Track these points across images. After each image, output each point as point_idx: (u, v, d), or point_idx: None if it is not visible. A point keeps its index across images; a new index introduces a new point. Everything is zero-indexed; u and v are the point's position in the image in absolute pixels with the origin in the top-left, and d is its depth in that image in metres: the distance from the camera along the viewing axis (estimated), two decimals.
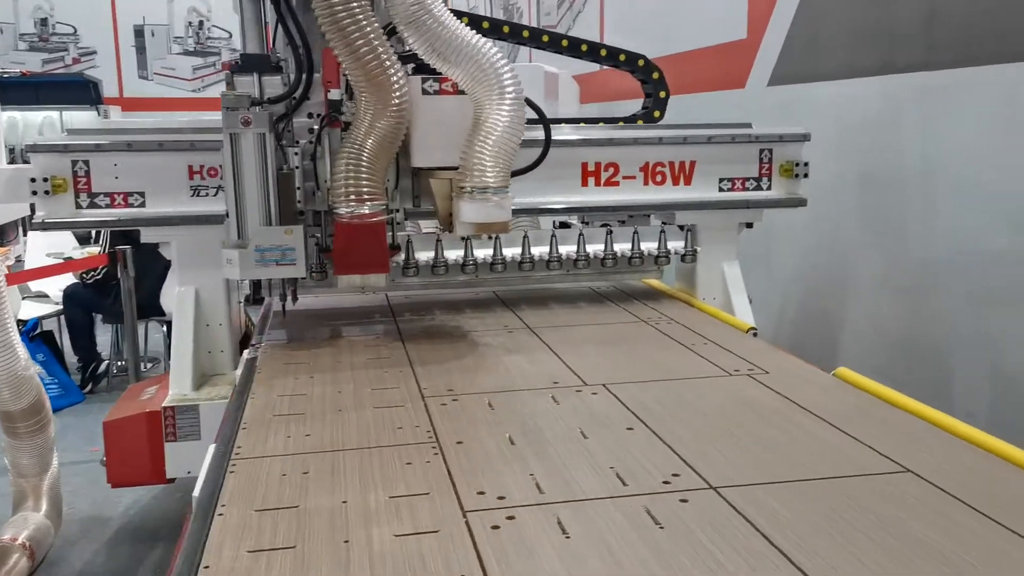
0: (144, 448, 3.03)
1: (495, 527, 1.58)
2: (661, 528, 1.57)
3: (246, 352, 3.02)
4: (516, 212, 2.92)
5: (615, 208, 3.50)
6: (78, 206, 3.03)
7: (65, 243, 6.89)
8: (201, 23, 14.86)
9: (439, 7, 2.58)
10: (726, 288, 3.57)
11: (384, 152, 2.65)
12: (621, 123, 3.78)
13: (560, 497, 1.70)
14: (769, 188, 3.56)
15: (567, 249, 3.38)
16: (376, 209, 2.65)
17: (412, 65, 2.75)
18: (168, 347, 5.69)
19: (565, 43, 3.77)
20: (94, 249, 6.68)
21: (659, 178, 3.46)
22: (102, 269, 5.89)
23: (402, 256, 3.17)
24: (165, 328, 6.13)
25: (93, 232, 7.38)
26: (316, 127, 2.86)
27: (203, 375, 3.21)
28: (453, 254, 3.33)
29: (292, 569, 1.45)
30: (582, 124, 3.74)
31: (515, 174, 2.78)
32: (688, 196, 3.48)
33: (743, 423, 2.11)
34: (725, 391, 2.36)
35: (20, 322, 5.48)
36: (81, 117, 11.28)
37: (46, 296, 6.43)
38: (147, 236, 3.19)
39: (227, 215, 2.73)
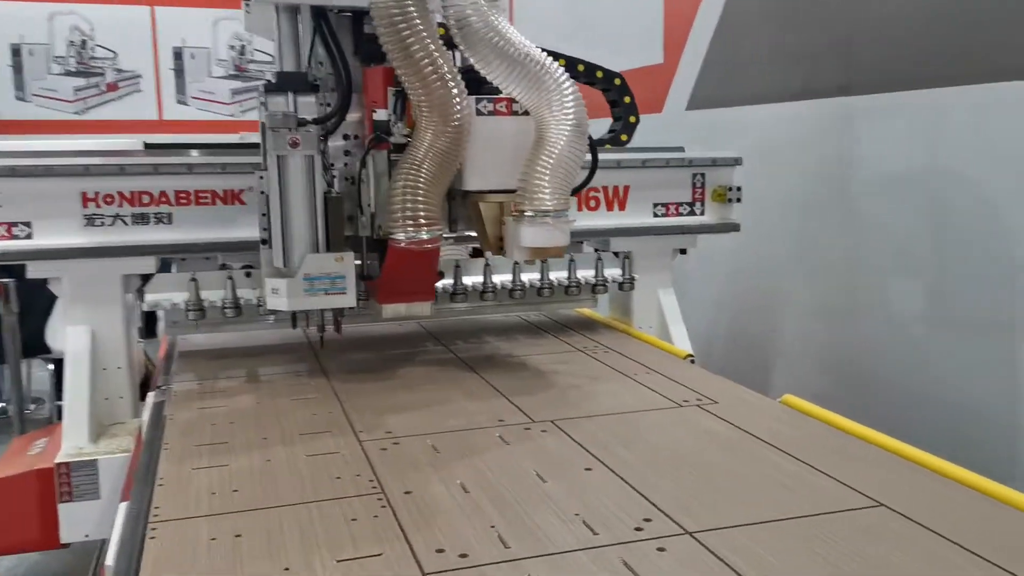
0: (33, 510, 2.72)
1: None
2: None
3: (150, 396, 2.76)
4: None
5: None
6: None
7: None
8: (84, 42, 14.28)
9: (503, 22, 2.48)
10: (662, 316, 3.49)
11: (443, 174, 2.50)
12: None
13: (528, 551, 1.54)
14: (703, 213, 3.51)
15: (501, 278, 3.24)
16: (434, 234, 2.50)
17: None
18: (55, 387, 5.30)
19: None
20: None
21: (593, 203, 3.37)
22: None
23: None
24: (52, 366, 5.70)
25: None
26: (351, 149, 2.75)
27: (100, 424, 2.92)
28: None
29: None
30: None
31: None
32: (623, 222, 3.40)
33: (705, 459, 2.00)
34: (679, 424, 2.25)
35: None
36: None
37: None
38: (34, 271, 2.88)
39: (264, 242, 2.56)
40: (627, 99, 3.68)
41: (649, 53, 4.99)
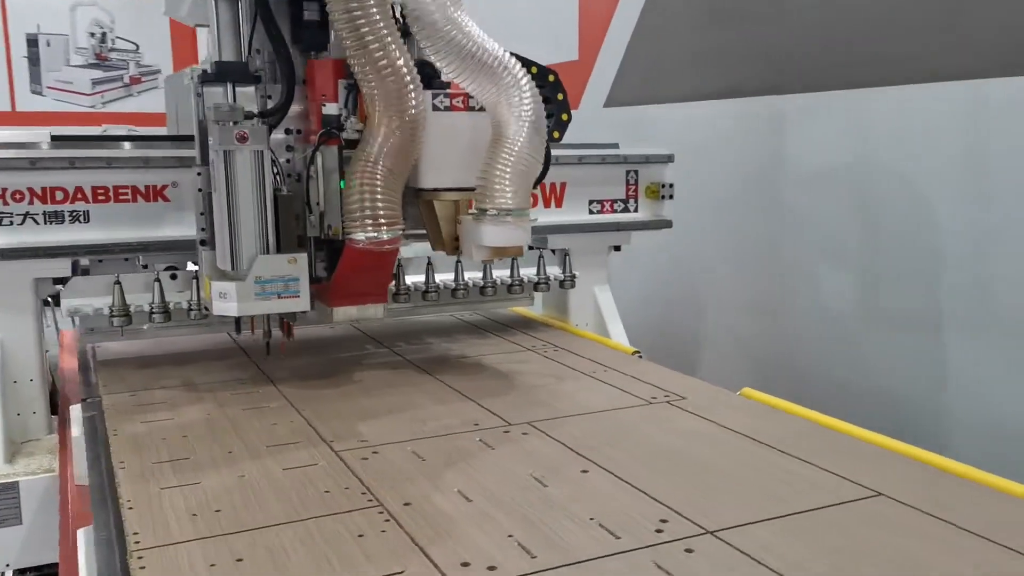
0: None
1: None
2: None
3: (75, 410, 2.54)
4: None
5: None
6: None
7: None
8: None
9: (462, 16, 2.38)
10: (599, 313, 3.48)
11: (400, 170, 2.38)
12: None
13: (557, 560, 1.48)
14: (636, 210, 3.52)
15: (443, 278, 3.15)
16: (395, 234, 2.37)
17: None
18: None
19: None
20: None
21: (531, 198, 3.32)
22: None
23: None
24: None
25: None
26: (292, 144, 2.59)
27: (12, 442, 2.66)
28: None
29: None
30: None
31: None
32: (561, 219, 3.37)
33: (696, 456, 1.99)
34: (656, 422, 2.24)
35: None
36: None
37: None
38: None
39: (204, 243, 2.41)
40: (560, 96, 3.64)
41: (564, 50, 4.99)
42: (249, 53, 2.58)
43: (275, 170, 2.52)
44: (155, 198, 2.79)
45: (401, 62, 2.32)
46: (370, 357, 2.94)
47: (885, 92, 3.26)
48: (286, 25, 2.59)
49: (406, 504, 1.72)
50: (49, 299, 2.86)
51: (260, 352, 2.92)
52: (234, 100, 2.47)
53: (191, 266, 2.89)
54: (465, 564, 1.47)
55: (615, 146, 3.50)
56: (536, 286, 3.28)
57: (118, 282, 2.72)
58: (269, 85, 2.57)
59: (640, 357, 3.01)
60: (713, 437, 2.12)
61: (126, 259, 2.85)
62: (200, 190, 2.48)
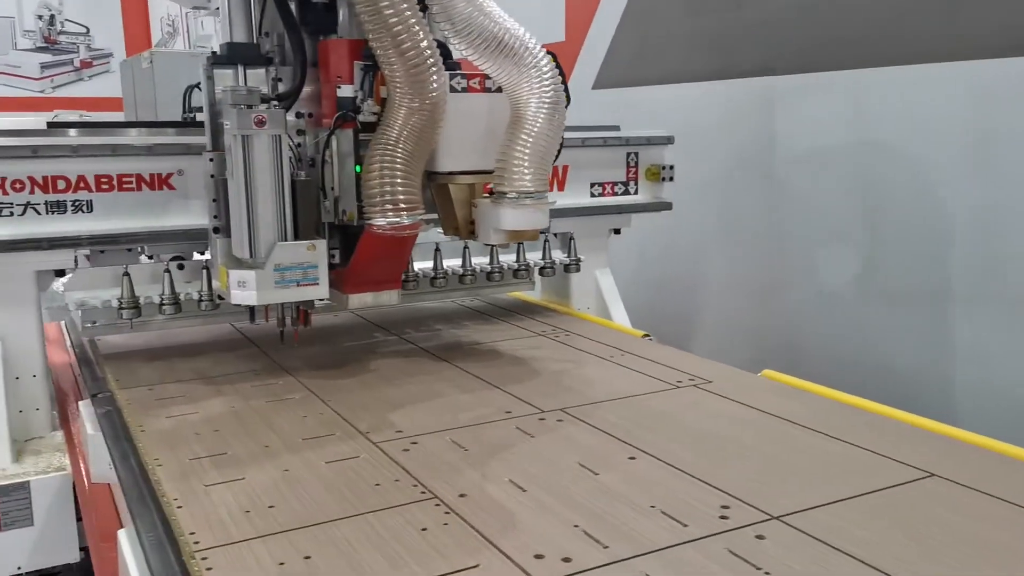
0: None
1: None
2: (768, 575, 1.40)
3: (86, 406, 2.47)
4: None
5: None
6: None
7: None
8: None
9: None
10: (601, 296, 3.48)
11: (420, 153, 2.31)
12: None
13: (631, 551, 1.48)
14: (636, 192, 3.52)
15: (452, 263, 3.12)
16: (415, 219, 2.32)
17: None
18: None
19: None
20: None
21: (549, 181, 3.30)
22: None
23: None
24: None
25: None
26: (304, 128, 2.52)
27: (15, 441, 2.58)
28: None
29: None
30: None
31: None
32: (564, 202, 3.34)
33: (738, 440, 2.00)
34: (689, 406, 2.25)
35: None
36: None
37: None
38: None
39: (218, 231, 2.36)
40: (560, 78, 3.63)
41: (550, 31, 4.96)
42: (259, 35, 2.51)
43: (291, 155, 2.47)
44: (160, 186, 2.72)
45: (425, 43, 2.25)
46: (381, 345, 2.91)
47: (884, 72, 3.28)
48: (294, 8, 2.53)
49: (461, 495, 1.71)
50: None
51: (269, 342, 2.88)
52: (245, 82, 2.41)
53: (197, 256, 2.83)
54: (539, 556, 1.46)
55: (616, 128, 3.49)
56: (542, 270, 3.27)
57: (127, 273, 2.65)
58: (279, 68, 2.51)
59: (650, 340, 3.02)
60: (749, 420, 2.13)
61: (129, 250, 2.78)
62: (213, 176, 2.42)
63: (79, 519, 2.44)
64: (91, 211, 2.64)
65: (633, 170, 3.51)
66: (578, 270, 3.35)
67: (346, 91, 2.42)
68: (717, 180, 4.08)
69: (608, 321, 3.28)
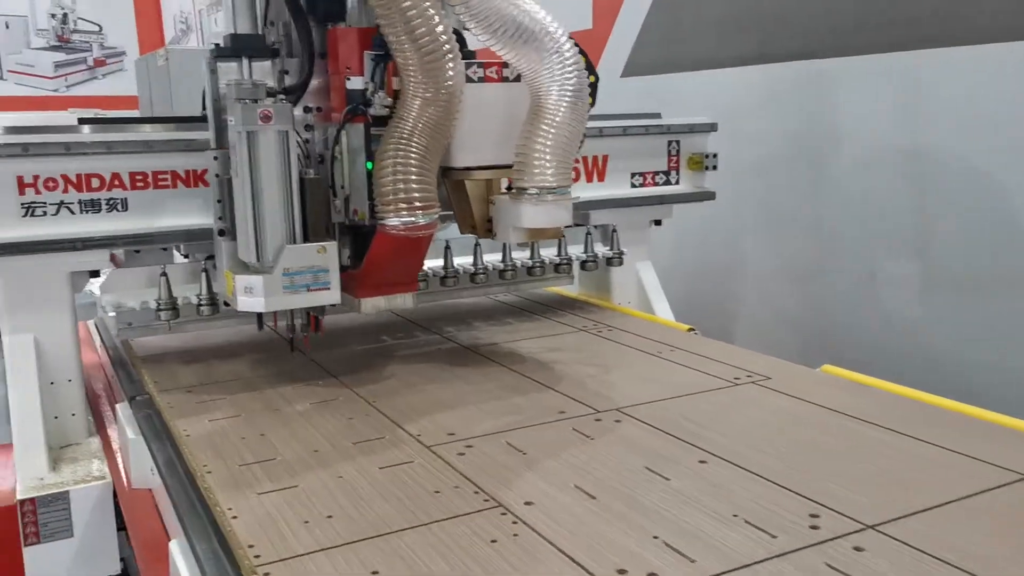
0: None
1: None
2: None
3: (124, 409, 2.40)
4: None
5: None
6: None
7: None
8: None
9: None
10: (643, 290, 3.38)
11: (435, 148, 2.17)
12: None
13: (720, 565, 1.39)
14: (678, 182, 3.42)
15: (492, 258, 3.03)
16: (431, 219, 2.18)
17: None
18: None
19: None
20: None
21: (572, 175, 3.20)
22: None
23: None
24: None
25: None
26: (312, 123, 2.39)
27: (52, 449, 2.51)
28: None
29: None
30: None
31: None
32: (603, 193, 3.26)
33: (811, 440, 1.90)
34: (750, 404, 2.16)
35: None
36: None
37: None
38: None
39: (223, 233, 2.26)
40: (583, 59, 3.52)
41: (577, 18, 4.85)
42: (264, 25, 2.41)
43: (299, 152, 2.35)
44: (196, 183, 2.63)
45: (440, 29, 2.11)
46: (422, 344, 2.82)
47: (940, 54, 3.16)
48: None
49: (528, 503, 1.62)
50: None
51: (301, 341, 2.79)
52: (250, 75, 2.31)
53: None
54: (622, 572, 1.37)
55: (657, 116, 3.39)
56: (583, 264, 3.17)
57: (164, 274, 2.57)
58: (285, 59, 2.40)
59: (696, 334, 2.93)
60: (817, 418, 2.03)
61: (164, 249, 2.71)
62: (217, 176, 2.32)
63: (119, 529, 2.38)
64: (126, 209, 2.56)
65: (675, 159, 3.40)
66: (621, 263, 3.25)
67: (356, 83, 2.27)
68: (755, 169, 3.96)
69: (651, 315, 3.19)
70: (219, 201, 2.32)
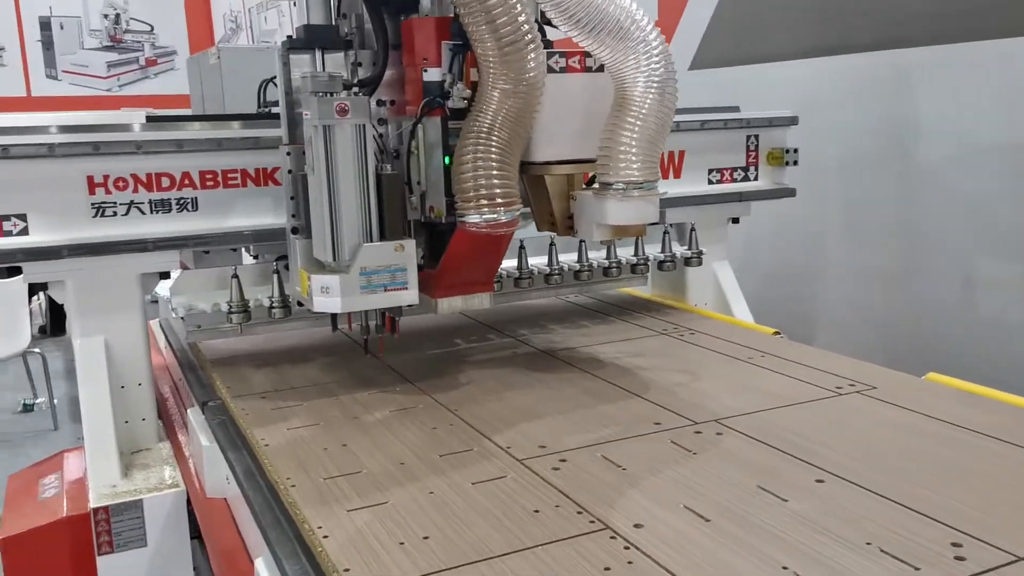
0: (65, 567, 2.26)
1: None
2: None
3: (195, 414, 2.34)
4: None
5: None
6: None
7: None
8: None
9: None
10: (721, 291, 3.25)
11: (516, 142, 2.08)
12: None
13: None
14: (756, 178, 3.28)
15: (568, 258, 2.92)
16: (513, 216, 2.08)
17: None
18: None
19: None
20: None
21: (659, 169, 3.08)
22: None
23: None
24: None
25: None
26: (385, 117, 2.31)
27: (123, 454, 2.45)
28: None
29: None
30: None
31: None
32: (680, 190, 3.13)
33: (937, 457, 1.76)
34: (861, 416, 2.02)
35: None
36: None
37: None
38: (32, 273, 2.37)
39: (297, 232, 2.21)
40: None
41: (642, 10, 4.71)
42: (337, 16, 2.32)
43: (376, 147, 2.27)
44: (265, 182, 2.57)
45: (523, 18, 2.00)
46: (496, 347, 2.72)
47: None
48: None
49: (637, 526, 1.51)
50: None
51: (373, 345, 2.71)
52: (324, 68, 2.23)
53: None
54: None
55: (736, 109, 3.25)
56: (661, 265, 3.05)
57: (236, 275, 2.50)
58: (358, 51, 2.30)
59: (782, 338, 2.79)
60: (935, 432, 1.89)
61: (233, 250, 2.65)
62: (290, 172, 2.24)
63: (192, 537, 2.32)
64: (196, 209, 2.51)
65: (753, 154, 3.27)
66: (700, 263, 3.12)
67: (433, 74, 2.17)
68: (835, 165, 3.80)
69: (733, 318, 3.06)
70: (292, 198, 2.24)
